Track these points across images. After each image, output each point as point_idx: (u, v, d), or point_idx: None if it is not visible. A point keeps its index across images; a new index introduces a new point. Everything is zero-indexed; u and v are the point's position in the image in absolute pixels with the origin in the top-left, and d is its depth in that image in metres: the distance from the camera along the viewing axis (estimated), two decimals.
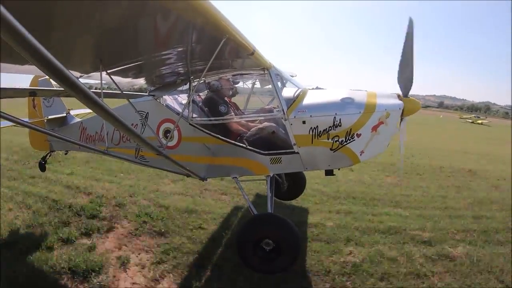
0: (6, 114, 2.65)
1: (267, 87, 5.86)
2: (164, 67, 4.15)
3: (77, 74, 3.96)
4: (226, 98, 5.05)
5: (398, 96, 4.28)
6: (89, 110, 5.58)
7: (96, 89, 6.09)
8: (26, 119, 6.38)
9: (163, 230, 5.49)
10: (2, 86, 4.00)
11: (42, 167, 7.01)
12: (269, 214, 4.27)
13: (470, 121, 67.57)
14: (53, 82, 5.70)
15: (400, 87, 4.30)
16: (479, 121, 66.66)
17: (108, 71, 3.80)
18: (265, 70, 4.40)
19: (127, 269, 4.45)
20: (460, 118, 78.07)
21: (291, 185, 6.41)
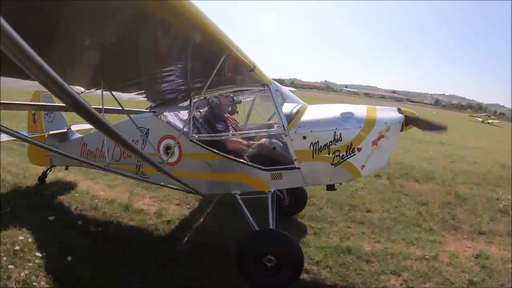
0: (8, 128, 2.66)
1: (267, 103, 5.89)
2: (164, 84, 4.18)
3: (78, 90, 3.99)
4: (226, 115, 5.06)
5: (398, 109, 4.29)
6: (90, 126, 5.61)
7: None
8: (25, 133, 6.41)
9: None
10: (3, 101, 4.02)
11: (43, 182, 7.01)
12: (271, 229, 4.22)
13: (481, 120, 65.35)
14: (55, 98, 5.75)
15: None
16: (490, 121, 64.27)
17: (110, 87, 3.83)
18: (265, 86, 4.44)
19: None
20: (470, 116, 74.80)
21: (292, 200, 6.36)
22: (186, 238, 5.30)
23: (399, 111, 4.25)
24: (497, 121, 69.53)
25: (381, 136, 4.07)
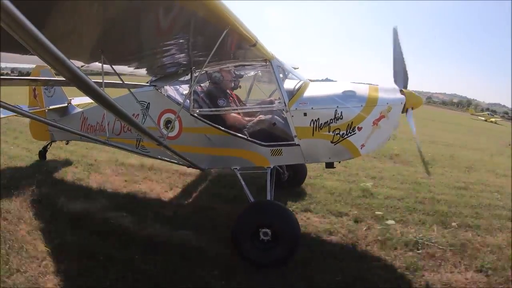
0: (8, 104, 2.66)
1: (269, 78, 5.84)
2: (165, 58, 4.13)
3: (78, 64, 3.95)
4: (227, 90, 5.03)
5: (401, 90, 4.26)
6: (90, 100, 5.59)
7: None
8: (26, 108, 6.41)
9: None
10: (3, 77, 4.00)
11: (43, 156, 7.06)
12: (267, 201, 4.23)
13: (483, 119, 64.59)
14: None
15: (398, 83, 4.31)
16: (492, 119, 63.56)
17: (110, 61, 3.79)
18: (267, 61, 4.38)
19: None
20: (472, 114, 73.95)
21: (291, 175, 6.41)
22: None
23: (401, 92, 4.22)
24: (500, 119, 68.29)
25: (382, 116, 4.06)
